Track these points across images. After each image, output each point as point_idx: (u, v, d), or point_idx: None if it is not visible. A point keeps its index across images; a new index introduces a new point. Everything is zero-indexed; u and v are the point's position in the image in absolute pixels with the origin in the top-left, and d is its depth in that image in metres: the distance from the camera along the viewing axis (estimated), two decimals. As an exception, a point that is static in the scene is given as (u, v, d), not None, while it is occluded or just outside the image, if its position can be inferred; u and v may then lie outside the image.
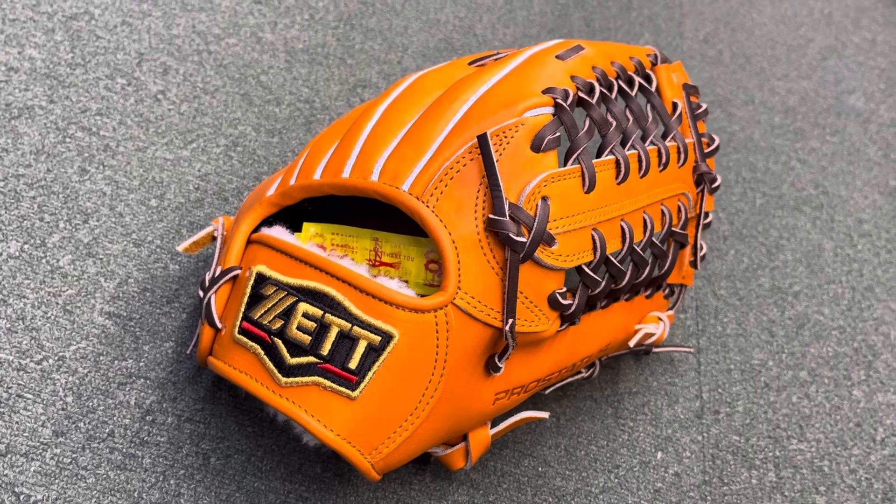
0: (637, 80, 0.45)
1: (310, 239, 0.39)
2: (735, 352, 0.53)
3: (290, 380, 0.34)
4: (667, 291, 0.47)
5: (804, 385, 0.53)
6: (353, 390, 0.34)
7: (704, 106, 0.48)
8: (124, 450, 0.39)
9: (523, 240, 0.35)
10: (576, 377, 0.45)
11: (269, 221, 0.41)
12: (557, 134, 0.37)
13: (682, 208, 0.45)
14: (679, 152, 0.44)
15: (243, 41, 0.61)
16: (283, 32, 0.63)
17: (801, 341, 0.55)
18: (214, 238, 0.42)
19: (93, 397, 0.41)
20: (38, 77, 0.53)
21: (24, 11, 0.56)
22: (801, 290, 0.59)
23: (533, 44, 0.46)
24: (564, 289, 0.38)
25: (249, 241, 0.38)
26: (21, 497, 0.37)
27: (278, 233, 0.38)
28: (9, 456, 0.38)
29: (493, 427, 0.41)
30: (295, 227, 0.40)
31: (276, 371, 0.34)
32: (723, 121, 0.71)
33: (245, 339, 0.35)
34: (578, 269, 0.38)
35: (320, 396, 0.34)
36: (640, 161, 0.41)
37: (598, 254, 0.38)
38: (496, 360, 0.36)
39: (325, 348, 0.34)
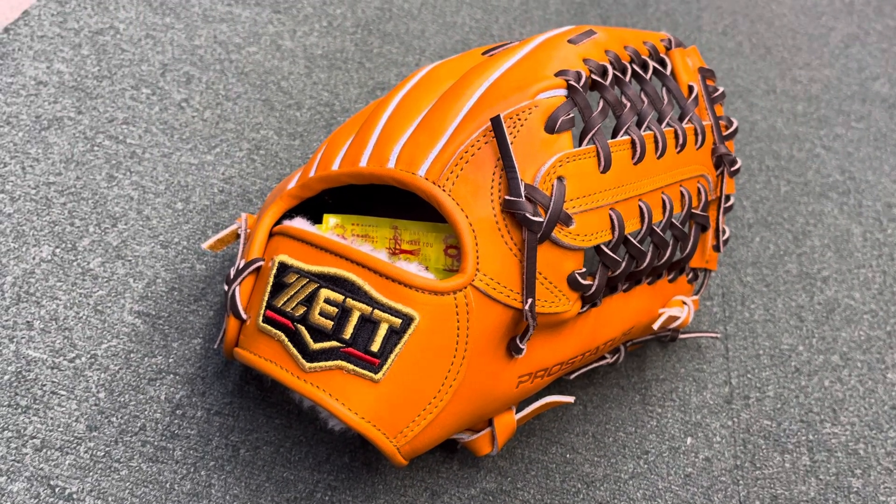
0: (651, 63, 0.45)
1: (330, 229, 0.40)
2: (763, 337, 0.53)
3: (314, 365, 0.35)
4: (690, 276, 0.47)
5: (836, 369, 0.52)
6: (375, 373, 0.34)
7: (721, 89, 0.48)
8: (156, 443, 0.40)
9: (540, 219, 0.35)
10: (601, 363, 0.45)
11: (290, 215, 0.41)
12: (571, 115, 0.38)
13: (702, 190, 0.44)
14: (696, 134, 0.44)
15: (264, 49, 0.62)
16: (302, 40, 0.64)
17: (832, 326, 0.54)
18: (238, 235, 0.43)
19: (124, 393, 0.41)
20: (67, 90, 0.54)
21: (51, 28, 0.58)
22: (829, 275, 0.58)
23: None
24: (584, 269, 0.38)
25: (272, 234, 0.39)
26: (56, 490, 0.38)
27: (299, 224, 0.38)
28: (44, 450, 0.39)
29: (518, 412, 0.41)
30: (316, 221, 0.40)
31: (299, 357, 0.35)
32: (744, 111, 0.71)
33: (269, 328, 0.36)
34: (598, 249, 0.38)
35: (344, 380, 0.34)
36: (655, 142, 0.41)
37: (616, 233, 0.38)
38: (518, 342, 0.37)
39: (348, 332, 0.34)
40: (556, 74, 0.38)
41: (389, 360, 0.34)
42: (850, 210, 0.63)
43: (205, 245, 0.42)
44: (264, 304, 0.37)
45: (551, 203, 0.35)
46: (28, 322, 0.43)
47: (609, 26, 0.47)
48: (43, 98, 0.54)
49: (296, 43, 0.64)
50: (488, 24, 0.70)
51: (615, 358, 0.46)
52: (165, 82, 0.57)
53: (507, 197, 0.35)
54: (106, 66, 0.57)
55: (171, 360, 0.43)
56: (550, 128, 0.37)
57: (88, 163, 0.51)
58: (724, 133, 0.47)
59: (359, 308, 0.35)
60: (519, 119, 0.37)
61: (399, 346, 0.34)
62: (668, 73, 0.46)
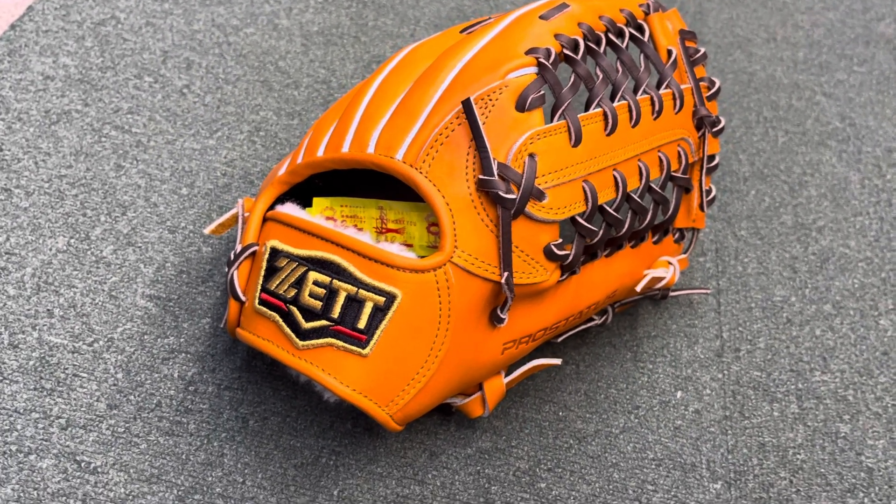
0: (627, 31, 0.46)
1: (320, 212, 0.42)
2: (756, 290, 0.54)
3: (307, 343, 0.37)
4: (677, 236, 0.48)
5: (828, 318, 0.53)
6: (363, 348, 0.36)
7: (703, 50, 0.49)
8: (171, 418, 0.43)
9: (513, 196, 0.37)
10: (588, 325, 0.47)
11: (283, 199, 0.43)
12: (541, 92, 0.39)
13: (682, 153, 0.46)
14: (675, 99, 0.45)
15: (261, 29, 0.64)
16: (297, 17, 0.65)
17: (826, 275, 0.55)
18: (237, 219, 0.45)
19: (140, 372, 0.45)
20: (73, 83, 0.57)
21: (55, 22, 0.60)
22: (825, 224, 0.59)
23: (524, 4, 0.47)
24: (560, 240, 0.39)
25: (265, 220, 0.41)
26: (82, 464, 0.41)
27: (290, 209, 0.41)
28: (70, 429, 0.42)
29: (506, 376, 0.43)
30: (308, 203, 0.43)
31: (293, 336, 0.37)
32: (743, 61, 0.71)
33: (265, 309, 0.38)
34: (573, 220, 0.40)
35: (335, 356, 0.37)
36: (630, 111, 0.42)
37: (589, 204, 0.39)
38: (499, 312, 0.39)
39: (336, 311, 0.37)
40: (527, 52, 0.40)
41: (376, 336, 0.36)
42: (849, 157, 0.64)
43: (206, 230, 0.44)
44: (259, 287, 0.39)
45: (523, 180, 0.37)
46: (49, 310, 0.46)
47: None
48: (51, 93, 0.56)
49: (292, 21, 0.65)
50: (482, -11, 0.71)
51: (603, 319, 0.48)
52: (167, 69, 0.59)
53: (480, 176, 0.37)
54: (109, 57, 0.59)
55: (182, 340, 0.46)
56: (521, 106, 0.38)
57: (97, 154, 0.53)
58: (707, 94, 0.48)
59: (345, 288, 0.37)
60: (490, 100, 0.38)
61: (384, 322, 0.36)
62: (645, 39, 0.47)
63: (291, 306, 0.38)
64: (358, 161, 0.39)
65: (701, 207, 0.48)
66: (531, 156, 0.38)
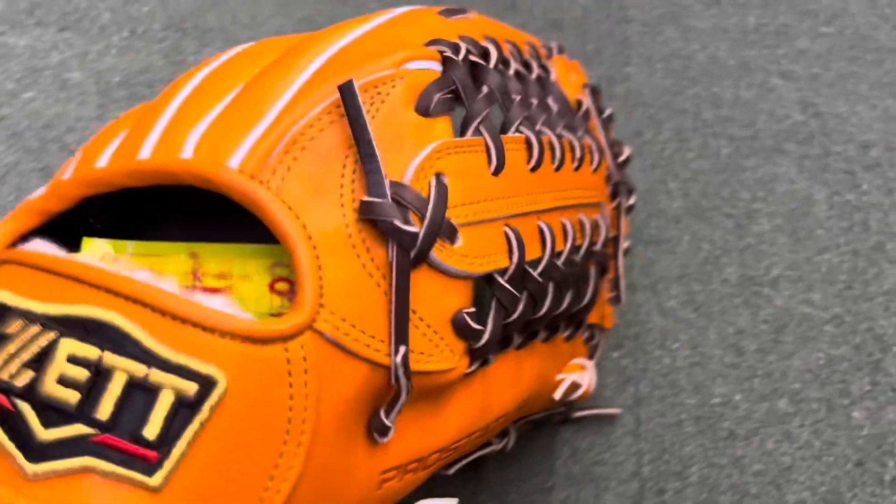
0: (535, 65, 0.36)
1: (94, 259, 0.28)
2: (688, 392, 0.42)
3: (44, 467, 0.22)
4: (587, 334, 0.37)
5: (784, 420, 0.41)
6: (150, 475, 0.22)
7: (610, 110, 0.39)
8: None
9: (414, 229, 0.24)
10: (485, 450, 0.35)
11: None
12: (449, 96, 0.28)
13: (602, 222, 0.35)
14: (592, 153, 0.35)
15: (44, 91, 0.50)
16: (94, 64, 0.52)
17: (781, 353, 0.43)
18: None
19: None
20: None
21: None
22: (780, 273, 0.46)
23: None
24: (473, 309, 0.27)
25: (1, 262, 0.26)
26: None
27: (39, 247, 0.26)
28: None
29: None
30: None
31: (19, 455, 0.22)
32: (677, 41, 0.56)
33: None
34: (489, 280, 0.28)
35: (96, 490, 0.22)
36: (552, 148, 0.32)
37: (514, 258, 0.28)
38: (383, 417, 0.26)
39: (104, 409, 0.22)
40: (428, 44, 0.29)
41: (175, 454, 0.22)
42: (813, 165, 0.50)
43: None
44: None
45: (430, 206, 0.25)
46: None
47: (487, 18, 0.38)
48: None
49: (87, 72, 0.51)
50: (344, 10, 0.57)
51: (503, 443, 0.35)
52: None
53: (364, 198, 0.24)
54: None
55: None
56: (423, 108, 0.27)
57: None
58: (619, 160, 0.39)
59: (124, 367, 0.22)
60: (379, 92, 0.26)
61: (191, 428, 0.22)
62: (552, 81, 0.37)
63: (22, 402, 0.23)
64: (164, 171, 0.25)
65: (616, 299, 0.38)
66: (438, 175, 0.26)
